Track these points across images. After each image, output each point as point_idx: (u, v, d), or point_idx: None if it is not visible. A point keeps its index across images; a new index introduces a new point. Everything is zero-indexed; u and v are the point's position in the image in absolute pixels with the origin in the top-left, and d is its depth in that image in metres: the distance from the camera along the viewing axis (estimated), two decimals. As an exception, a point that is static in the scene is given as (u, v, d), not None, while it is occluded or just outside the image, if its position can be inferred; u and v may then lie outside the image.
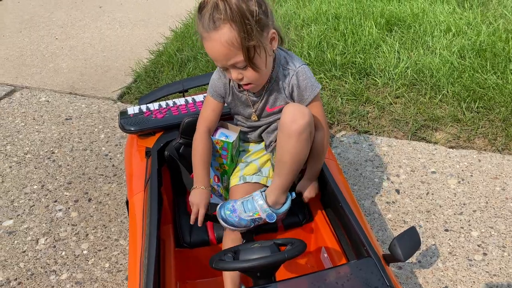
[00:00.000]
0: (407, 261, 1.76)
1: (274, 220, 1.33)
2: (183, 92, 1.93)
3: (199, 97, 1.84)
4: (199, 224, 1.35)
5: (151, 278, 1.15)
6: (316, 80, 1.33)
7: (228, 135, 1.46)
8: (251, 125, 1.46)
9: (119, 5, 4.07)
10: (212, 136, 1.46)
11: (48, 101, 2.85)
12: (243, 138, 1.54)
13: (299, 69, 1.30)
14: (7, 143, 2.51)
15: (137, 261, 1.32)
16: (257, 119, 1.42)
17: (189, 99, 1.82)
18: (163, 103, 1.81)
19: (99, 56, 3.30)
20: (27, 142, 2.51)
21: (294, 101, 1.34)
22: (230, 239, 1.41)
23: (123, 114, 1.77)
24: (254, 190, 1.36)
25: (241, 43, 1.16)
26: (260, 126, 1.45)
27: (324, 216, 1.54)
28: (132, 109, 1.79)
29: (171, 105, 1.79)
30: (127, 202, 1.59)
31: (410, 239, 1.25)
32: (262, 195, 1.33)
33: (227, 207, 1.34)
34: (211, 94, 1.43)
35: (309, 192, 1.46)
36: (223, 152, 1.45)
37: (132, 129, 1.68)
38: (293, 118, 1.22)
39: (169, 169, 1.63)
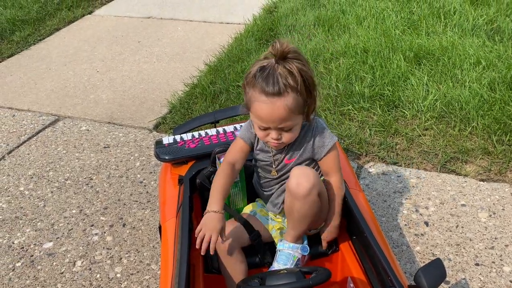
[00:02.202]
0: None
1: (308, 250, 1.45)
2: (214, 123, 2.02)
3: (229, 128, 1.93)
4: (211, 251, 1.31)
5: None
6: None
7: None
8: (269, 178, 1.52)
9: (157, 40, 4.30)
10: (219, 159, 1.59)
11: (88, 130, 3.02)
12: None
13: (317, 118, 1.43)
14: (49, 169, 2.66)
15: (168, 285, 1.38)
16: (276, 174, 1.48)
17: (220, 129, 1.91)
18: (195, 134, 1.90)
19: (137, 88, 3.48)
20: (68, 168, 2.66)
21: (314, 151, 1.42)
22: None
23: (158, 143, 1.87)
24: (256, 225, 1.50)
25: (301, 110, 1.29)
26: (276, 183, 1.51)
27: (350, 247, 1.56)
28: (167, 139, 1.89)
29: (203, 135, 1.88)
30: (159, 228, 1.66)
31: (436, 270, 1.26)
32: (284, 242, 1.44)
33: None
34: (242, 136, 1.51)
35: (326, 235, 1.52)
36: None
37: (167, 158, 1.78)
38: (298, 181, 1.31)
39: (200, 196, 1.70)
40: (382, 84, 2.94)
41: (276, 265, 1.43)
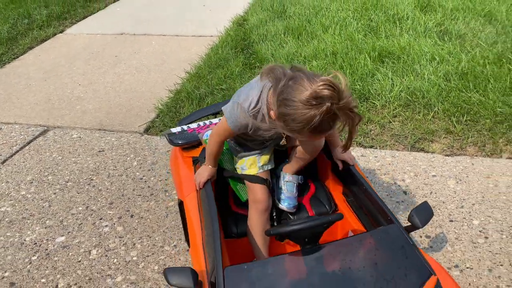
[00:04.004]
0: (420, 246, 2.02)
1: (303, 180, 1.82)
2: (215, 114, 2.24)
3: (230, 117, 2.16)
4: (199, 188, 1.71)
5: (219, 253, 1.36)
6: None
7: None
8: (268, 143, 1.74)
9: (133, 53, 4.47)
10: (199, 133, 1.89)
11: (80, 137, 3.14)
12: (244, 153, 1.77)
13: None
14: (48, 174, 2.76)
15: (198, 246, 1.56)
16: (286, 142, 1.69)
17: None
18: (201, 123, 2.11)
19: (122, 97, 3.63)
20: (66, 172, 2.77)
21: None
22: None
23: (169, 134, 2.07)
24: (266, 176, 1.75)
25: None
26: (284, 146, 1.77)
27: (347, 205, 1.81)
28: (176, 129, 2.09)
29: (208, 123, 2.10)
30: (179, 204, 1.85)
31: (425, 210, 1.53)
32: (287, 175, 1.77)
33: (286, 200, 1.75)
34: (233, 127, 1.53)
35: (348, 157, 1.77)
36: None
37: (180, 142, 1.98)
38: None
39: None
40: (352, 80, 3.28)
41: (285, 190, 1.75)
